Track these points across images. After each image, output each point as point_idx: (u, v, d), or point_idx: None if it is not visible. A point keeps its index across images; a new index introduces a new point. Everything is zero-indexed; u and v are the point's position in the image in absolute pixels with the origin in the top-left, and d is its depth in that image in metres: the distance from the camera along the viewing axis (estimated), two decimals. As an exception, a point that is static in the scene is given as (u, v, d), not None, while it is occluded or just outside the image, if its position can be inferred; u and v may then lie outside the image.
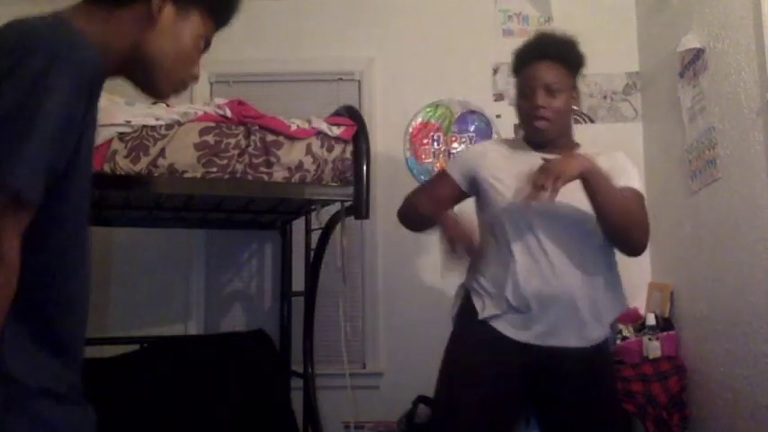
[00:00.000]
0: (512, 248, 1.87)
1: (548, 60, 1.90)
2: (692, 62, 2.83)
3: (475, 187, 2.03)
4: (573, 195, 1.77)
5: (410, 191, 2.18)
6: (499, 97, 3.45)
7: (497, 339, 1.87)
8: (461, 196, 2.07)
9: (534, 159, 1.86)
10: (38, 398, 1.00)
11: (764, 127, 2.32)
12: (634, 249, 1.89)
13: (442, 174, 2.13)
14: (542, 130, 1.90)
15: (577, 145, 2.01)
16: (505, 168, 1.94)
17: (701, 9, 2.76)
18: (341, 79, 3.47)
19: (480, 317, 1.90)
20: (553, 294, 1.83)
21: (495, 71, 3.45)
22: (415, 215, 2.08)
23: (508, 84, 3.44)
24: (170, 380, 2.77)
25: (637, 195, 1.89)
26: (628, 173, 1.92)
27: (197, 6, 1.17)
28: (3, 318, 0.94)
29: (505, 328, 1.87)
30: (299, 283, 3.13)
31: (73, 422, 1.06)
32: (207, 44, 1.23)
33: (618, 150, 1.99)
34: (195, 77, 1.23)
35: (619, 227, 1.83)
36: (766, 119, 2.31)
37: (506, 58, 3.44)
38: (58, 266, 1.05)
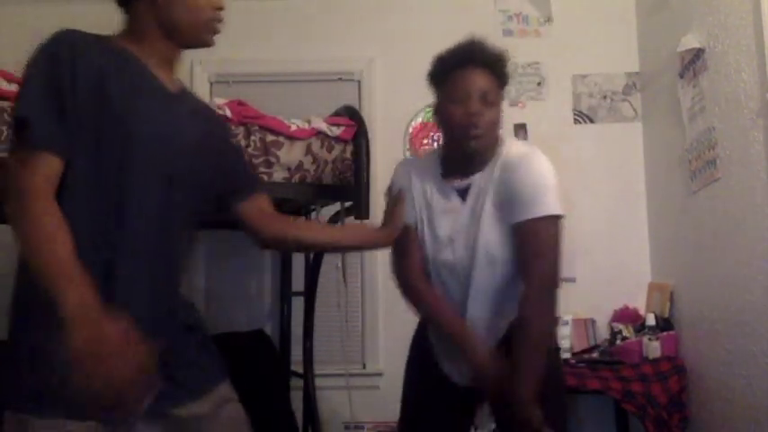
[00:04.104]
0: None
1: (484, 68, 1.71)
2: (692, 62, 2.83)
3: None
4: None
5: (396, 267, 1.88)
6: (499, 97, 3.45)
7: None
8: None
9: (449, 194, 1.79)
10: None
11: (764, 127, 2.32)
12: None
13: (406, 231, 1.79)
14: (479, 138, 1.69)
15: (501, 147, 1.77)
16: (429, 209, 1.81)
17: (701, 9, 2.76)
18: (341, 79, 3.48)
19: None
20: None
21: (495, 71, 3.45)
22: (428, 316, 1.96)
23: (508, 83, 3.45)
24: (170, 380, 2.76)
25: (545, 234, 1.67)
26: (533, 198, 1.67)
27: None
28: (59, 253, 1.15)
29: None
30: (298, 283, 3.13)
31: None
32: None
33: (539, 155, 1.73)
34: (219, 8, 1.38)
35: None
36: (766, 119, 2.31)
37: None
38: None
